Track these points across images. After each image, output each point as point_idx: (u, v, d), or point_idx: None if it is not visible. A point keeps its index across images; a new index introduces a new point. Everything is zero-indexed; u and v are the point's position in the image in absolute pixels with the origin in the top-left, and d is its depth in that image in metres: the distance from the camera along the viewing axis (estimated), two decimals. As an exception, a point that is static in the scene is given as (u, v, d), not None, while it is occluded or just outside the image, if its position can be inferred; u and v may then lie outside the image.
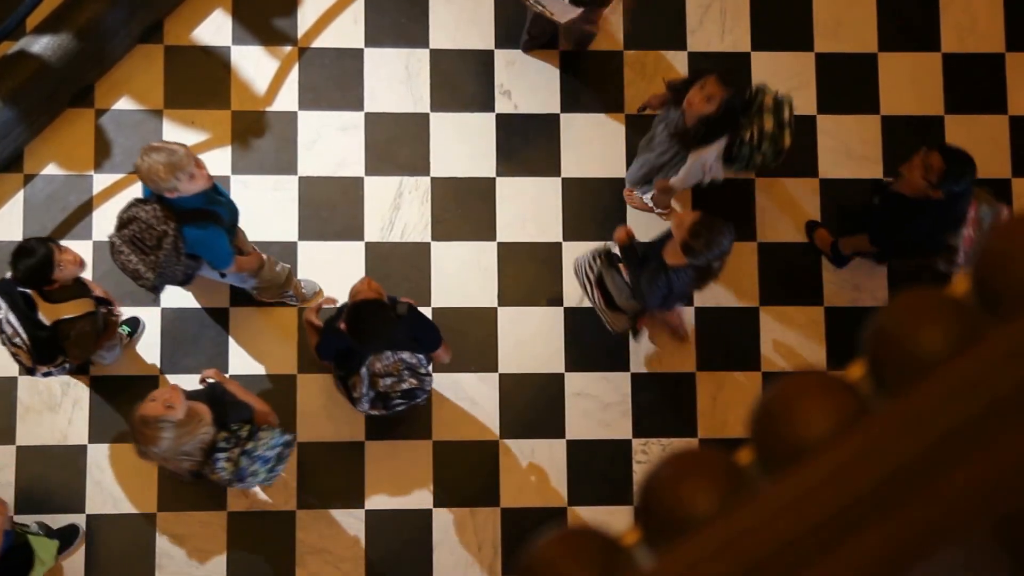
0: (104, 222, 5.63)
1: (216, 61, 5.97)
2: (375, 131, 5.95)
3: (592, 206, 5.93)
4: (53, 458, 5.55)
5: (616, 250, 5.20)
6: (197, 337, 5.69)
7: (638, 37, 6.13)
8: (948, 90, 6.16)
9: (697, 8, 6.18)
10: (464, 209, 5.91)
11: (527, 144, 5.99)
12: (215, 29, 6.00)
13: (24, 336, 4.68)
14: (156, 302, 5.63)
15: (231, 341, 5.69)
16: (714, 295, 5.89)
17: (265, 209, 5.81)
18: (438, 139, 5.96)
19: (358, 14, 6.06)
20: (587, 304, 5.81)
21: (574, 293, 5.82)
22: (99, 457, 5.55)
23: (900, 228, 5.04)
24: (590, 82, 6.08)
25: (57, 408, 5.59)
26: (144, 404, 4.18)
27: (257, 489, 5.52)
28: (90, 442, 5.54)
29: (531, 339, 5.79)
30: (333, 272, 5.72)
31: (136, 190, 5.44)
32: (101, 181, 5.81)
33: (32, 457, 5.55)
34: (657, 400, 5.78)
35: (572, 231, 5.89)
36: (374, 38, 6.05)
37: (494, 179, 5.94)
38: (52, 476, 5.54)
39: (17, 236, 5.62)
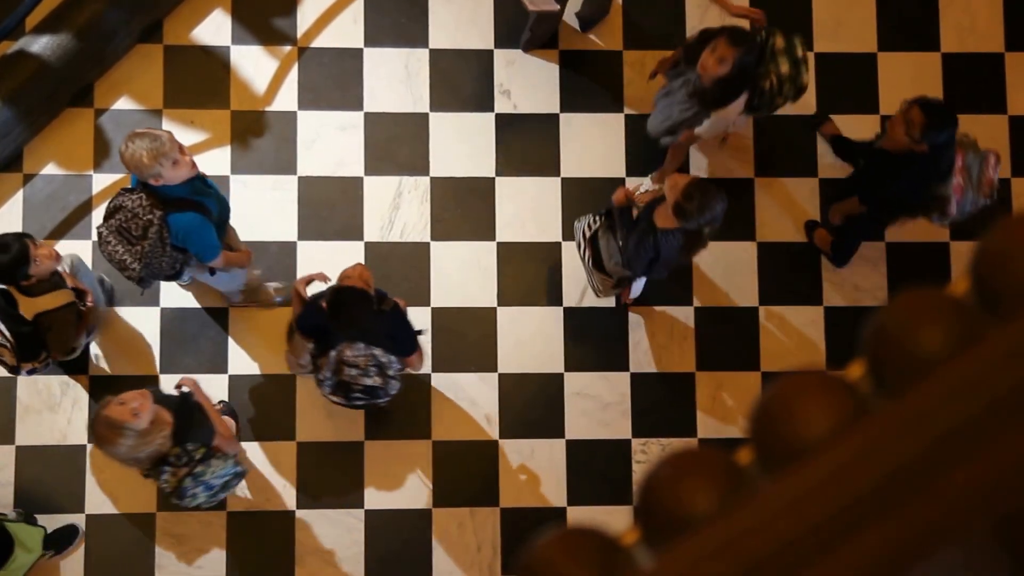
0: (103, 222, 5.63)
1: (216, 61, 5.97)
2: (374, 131, 5.95)
3: (592, 206, 5.92)
4: (52, 458, 5.55)
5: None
6: (197, 337, 5.69)
7: (638, 37, 6.13)
8: (948, 90, 6.16)
9: (697, 8, 6.17)
10: (464, 209, 5.91)
11: (527, 144, 5.99)
12: (215, 29, 5.99)
13: (7, 334, 4.66)
14: (156, 302, 5.62)
15: (230, 341, 5.69)
16: (714, 295, 5.90)
17: (264, 209, 5.81)
18: (437, 139, 5.95)
19: (358, 14, 6.06)
20: (587, 304, 5.82)
21: (574, 293, 5.82)
22: (99, 457, 5.53)
23: (889, 184, 5.05)
24: (590, 82, 6.08)
25: (56, 408, 5.59)
26: (111, 406, 4.08)
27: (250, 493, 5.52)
28: (89, 442, 5.53)
29: (531, 339, 5.79)
30: (333, 272, 5.68)
31: (135, 190, 5.43)
32: (101, 181, 5.81)
33: (31, 457, 5.55)
34: (656, 400, 5.78)
35: (572, 231, 5.89)
36: (374, 38, 6.05)
37: (493, 179, 5.94)
38: (51, 476, 5.53)
39: (16, 236, 5.61)
